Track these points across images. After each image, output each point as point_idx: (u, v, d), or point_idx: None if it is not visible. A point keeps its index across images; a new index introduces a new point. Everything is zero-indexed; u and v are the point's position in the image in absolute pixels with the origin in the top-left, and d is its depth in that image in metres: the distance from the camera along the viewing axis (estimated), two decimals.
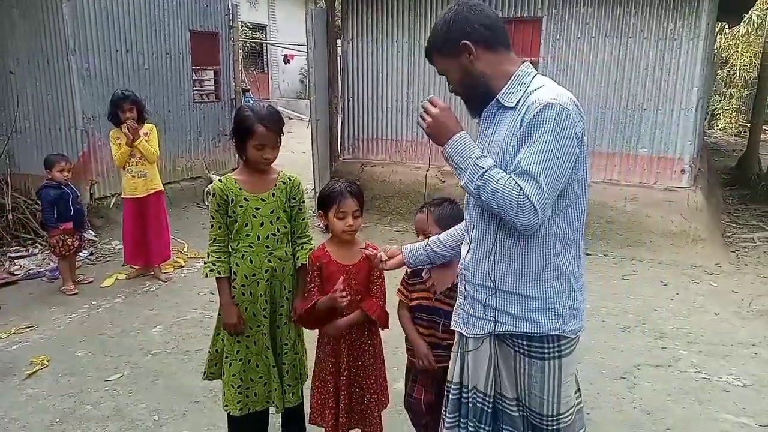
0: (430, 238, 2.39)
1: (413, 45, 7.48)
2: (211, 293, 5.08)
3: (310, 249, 2.69)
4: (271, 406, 2.75)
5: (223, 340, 2.72)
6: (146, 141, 5.18)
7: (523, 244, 1.88)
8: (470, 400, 2.09)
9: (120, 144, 5.13)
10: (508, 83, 1.91)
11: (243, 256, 2.60)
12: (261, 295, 2.61)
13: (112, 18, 6.96)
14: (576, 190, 1.87)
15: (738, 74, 15.77)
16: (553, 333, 1.90)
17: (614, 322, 4.67)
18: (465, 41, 1.88)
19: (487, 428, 2.09)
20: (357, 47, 7.83)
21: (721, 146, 14.34)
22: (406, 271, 2.63)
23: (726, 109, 16.45)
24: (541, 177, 1.73)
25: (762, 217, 7.90)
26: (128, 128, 5.04)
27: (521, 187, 1.73)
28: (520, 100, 1.86)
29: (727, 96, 16.39)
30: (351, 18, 7.81)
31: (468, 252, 2.04)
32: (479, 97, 1.96)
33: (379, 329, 2.70)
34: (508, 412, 2.05)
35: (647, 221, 6.42)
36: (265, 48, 19.88)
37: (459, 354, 2.12)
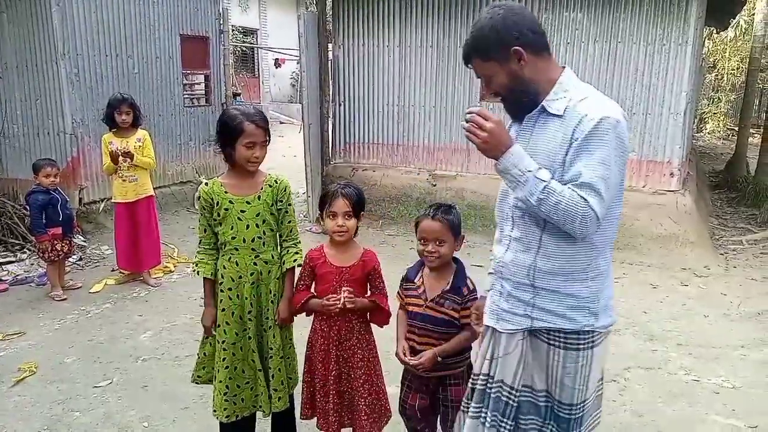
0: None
1: (404, 49, 7.50)
2: (201, 298, 5.04)
3: (297, 253, 2.68)
4: (258, 410, 2.73)
5: (211, 344, 2.71)
6: (140, 150, 5.19)
7: (570, 245, 1.92)
8: (494, 392, 2.11)
9: (108, 154, 5.14)
10: (553, 90, 1.92)
11: (229, 258, 2.61)
12: (246, 298, 2.61)
13: (102, 22, 6.93)
14: (618, 194, 1.93)
15: (726, 78, 15.93)
16: (586, 329, 1.96)
17: None
18: (516, 47, 1.87)
19: (509, 423, 2.10)
20: (348, 51, 7.85)
21: (709, 149, 14.46)
22: (403, 276, 2.65)
23: (714, 113, 16.60)
24: (603, 188, 1.79)
25: (750, 219, 7.97)
26: (121, 153, 5.11)
27: (586, 199, 1.78)
28: (566, 108, 1.88)
29: (715, 100, 16.56)
30: (342, 22, 7.82)
31: (507, 250, 2.05)
32: (525, 102, 1.96)
33: (372, 335, 2.71)
34: (535, 402, 2.09)
35: (636, 224, 6.46)
36: (256, 52, 19.87)
37: (489, 347, 2.13)
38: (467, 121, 1.89)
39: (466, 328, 2.49)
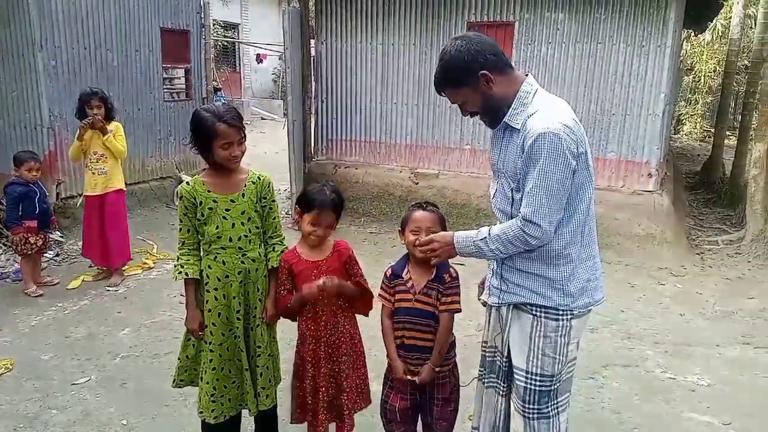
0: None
1: (387, 47, 7.50)
2: (181, 295, 4.96)
3: (282, 250, 2.68)
4: (244, 408, 2.72)
5: (193, 346, 2.68)
6: (113, 138, 5.12)
7: None
8: (488, 355, 2.44)
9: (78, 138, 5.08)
10: (513, 104, 2.12)
11: (216, 258, 2.57)
12: (234, 298, 2.58)
13: (81, 13, 6.81)
14: (581, 193, 2.13)
15: (703, 81, 16.17)
16: (562, 308, 2.18)
17: None
18: (483, 71, 2.09)
19: (503, 384, 2.39)
20: (330, 48, 7.82)
21: (686, 151, 14.69)
22: (385, 273, 2.62)
23: (691, 115, 16.86)
24: (543, 198, 2.03)
25: (725, 220, 8.11)
26: (94, 124, 4.98)
27: (520, 218, 2.07)
28: (523, 122, 2.09)
29: (693, 102, 16.81)
30: (324, 19, 7.79)
31: None
32: (498, 115, 2.18)
33: (358, 330, 2.71)
34: (517, 381, 2.30)
35: (615, 224, 6.55)
36: (237, 47, 19.70)
37: (487, 317, 2.46)
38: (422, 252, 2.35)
39: (442, 318, 2.50)
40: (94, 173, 5.18)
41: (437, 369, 2.53)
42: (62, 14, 6.60)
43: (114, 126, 5.20)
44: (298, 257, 2.60)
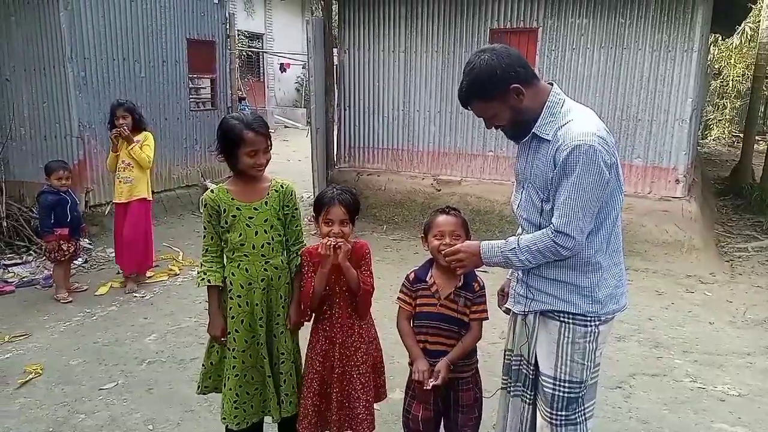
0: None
1: (409, 54, 7.52)
2: (206, 301, 5.05)
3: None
4: (267, 415, 2.73)
5: (217, 352, 2.71)
6: (139, 148, 5.21)
7: None
8: (514, 364, 2.39)
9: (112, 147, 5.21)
10: (542, 115, 2.10)
11: (239, 265, 2.59)
12: (257, 305, 2.60)
13: (109, 26, 6.97)
14: (612, 202, 2.13)
15: (731, 85, 15.90)
16: (590, 315, 2.17)
17: None
18: (515, 84, 2.05)
19: (529, 393, 2.35)
20: (354, 57, 7.87)
21: (714, 156, 14.43)
22: (407, 276, 2.61)
23: (719, 120, 16.58)
24: (577, 209, 2.02)
25: (755, 226, 7.94)
26: (120, 134, 5.10)
27: (552, 229, 2.05)
28: (553, 133, 2.08)
29: (721, 107, 16.54)
30: (347, 28, 7.85)
31: None
32: (526, 128, 2.16)
33: (375, 332, 2.70)
34: (545, 389, 2.27)
35: (642, 231, 6.45)
36: (261, 56, 19.95)
37: (511, 325, 2.43)
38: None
39: (472, 326, 2.49)
40: (120, 181, 5.31)
41: (461, 376, 2.51)
42: (92, 27, 6.76)
43: (142, 135, 5.30)
44: (319, 255, 2.55)
